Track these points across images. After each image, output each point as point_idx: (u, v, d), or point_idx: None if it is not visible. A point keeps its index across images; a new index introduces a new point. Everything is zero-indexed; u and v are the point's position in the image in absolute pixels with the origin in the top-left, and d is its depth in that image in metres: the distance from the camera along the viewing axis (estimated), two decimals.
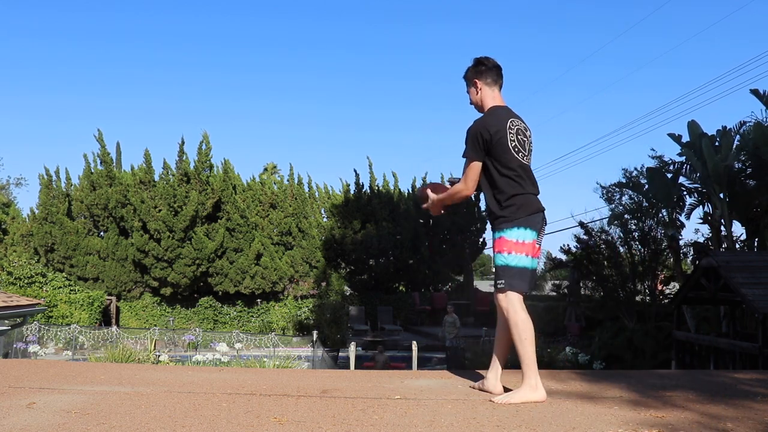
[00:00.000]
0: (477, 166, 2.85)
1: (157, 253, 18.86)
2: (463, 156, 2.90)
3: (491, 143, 2.79)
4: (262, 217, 20.54)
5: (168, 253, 18.89)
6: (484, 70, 2.98)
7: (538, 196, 2.87)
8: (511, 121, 2.86)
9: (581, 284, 15.23)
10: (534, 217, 2.80)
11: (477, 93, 3.00)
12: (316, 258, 20.33)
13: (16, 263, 18.52)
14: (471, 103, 3.07)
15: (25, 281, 18.24)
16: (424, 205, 3.15)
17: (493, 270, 3.03)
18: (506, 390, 2.91)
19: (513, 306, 2.73)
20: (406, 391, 3.02)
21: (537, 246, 2.84)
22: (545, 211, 2.88)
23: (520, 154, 2.83)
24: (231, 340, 13.70)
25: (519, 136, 2.87)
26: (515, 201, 2.79)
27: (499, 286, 2.78)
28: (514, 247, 2.76)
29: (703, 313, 13.19)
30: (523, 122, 2.95)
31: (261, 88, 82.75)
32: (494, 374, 2.95)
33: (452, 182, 3.12)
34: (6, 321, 10.05)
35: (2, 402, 2.64)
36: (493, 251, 2.87)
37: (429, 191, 3.10)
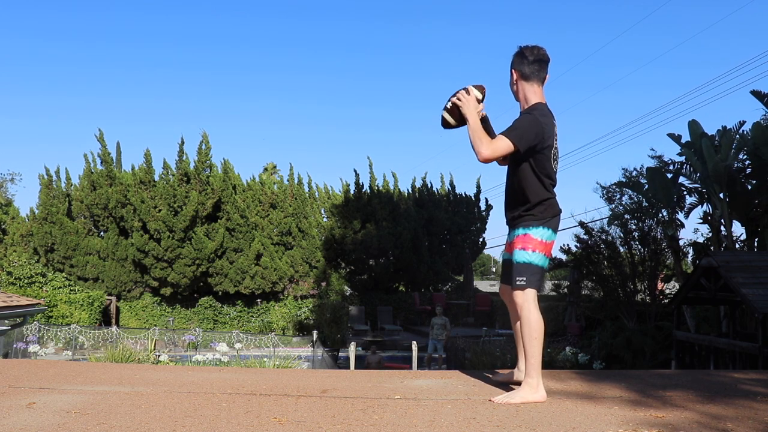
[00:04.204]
0: (511, 149, 2.77)
1: (157, 253, 18.86)
2: (508, 133, 2.77)
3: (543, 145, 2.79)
4: (262, 217, 20.53)
5: (168, 253, 18.88)
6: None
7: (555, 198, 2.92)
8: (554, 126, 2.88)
9: (581, 284, 15.22)
10: (556, 220, 2.86)
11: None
12: (316, 258, 20.32)
13: (16, 263, 18.52)
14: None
15: (25, 281, 18.24)
16: (459, 98, 2.91)
17: (501, 266, 3.05)
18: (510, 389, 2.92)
19: (529, 304, 2.76)
20: (406, 391, 3.02)
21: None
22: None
23: (555, 161, 2.88)
24: (231, 340, 13.69)
25: (557, 143, 2.91)
26: (544, 202, 2.83)
27: (519, 282, 2.78)
28: (538, 245, 2.80)
29: (703, 313, 13.18)
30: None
31: (261, 88, 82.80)
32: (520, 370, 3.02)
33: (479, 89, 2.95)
34: (6, 321, 10.05)
35: (2, 402, 2.64)
36: (513, 248, 2.86)
37: (477, 93, 2.92)
